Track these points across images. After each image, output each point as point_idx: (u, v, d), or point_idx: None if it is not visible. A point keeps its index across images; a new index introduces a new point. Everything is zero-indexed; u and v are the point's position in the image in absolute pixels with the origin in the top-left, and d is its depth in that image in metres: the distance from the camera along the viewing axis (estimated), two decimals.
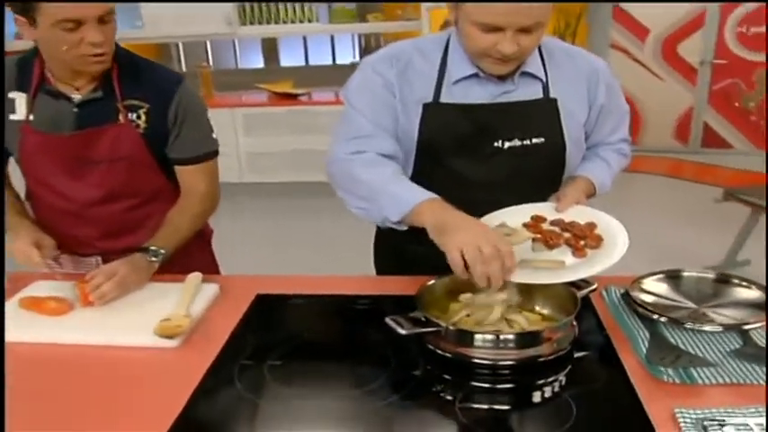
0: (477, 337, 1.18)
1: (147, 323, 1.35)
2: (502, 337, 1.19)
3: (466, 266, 1.20)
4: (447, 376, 1.20)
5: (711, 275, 1.38)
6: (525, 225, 1.41)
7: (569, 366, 1.21)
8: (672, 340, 1.25)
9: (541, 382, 1.16)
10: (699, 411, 1.06)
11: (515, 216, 1.44)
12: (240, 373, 1.22)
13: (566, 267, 1.28)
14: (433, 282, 1.35)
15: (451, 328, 1.20)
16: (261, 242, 4.27)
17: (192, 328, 1.38)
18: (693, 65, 6.27)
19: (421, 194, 1.34)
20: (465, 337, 1.19)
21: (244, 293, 1.53)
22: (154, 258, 1.55)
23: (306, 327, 1.40)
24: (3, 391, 1.08)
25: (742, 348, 1.22)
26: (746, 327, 1.22)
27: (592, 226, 1.38)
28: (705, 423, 1.02)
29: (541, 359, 1.19)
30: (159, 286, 1.54)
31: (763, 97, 6.09)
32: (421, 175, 1.49)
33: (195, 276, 1.56)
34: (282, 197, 5.16)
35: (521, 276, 1.25)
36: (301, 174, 5.06)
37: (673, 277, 1.41)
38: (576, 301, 1.25)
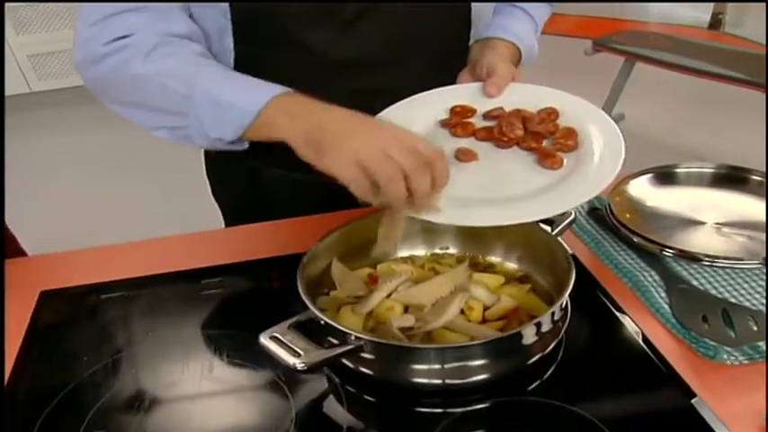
0: (425, 354, 0.69)
1: None
2: (461, 354, 0.69)
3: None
4: (370, 398, 0.73)
5: (723, 170, 0.96)
6: (446, 123, 0.89)
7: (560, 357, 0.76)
8: (695, 282, 0.83)
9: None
10: None
11: (423, 111, 0.90)
12: None
13: (534, 189, 0.78)
14: (315, 246, 0.83)
15: (373, 342, 0.69)
16: (64, 169, 3.45)
17: None
18: None
19: (264, 90, 0.80)
20: (403, 356, 0.70)
21: (23, 291, 0.93)
22: None
23: (127, 346, 0.84)
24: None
25: None
26: None
27: (553, 114, 0.87)
28: None
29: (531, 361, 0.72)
30: None
31: None
32: (247, 65, 0.92)
33: None
34: (84, 104, 4.25)
35: (470, 217, 0.74)
36: None
37: (665, 176, 0.97)
38: (562, 249, 0.79)
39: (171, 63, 0.84)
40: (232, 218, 1.25)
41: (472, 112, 0.90)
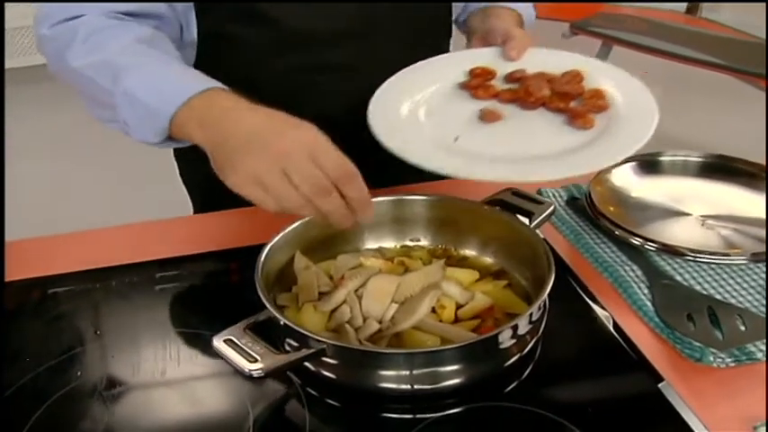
0: (392, 359, 0.64)
1: None
2: (431, 360, 0.64)
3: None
4: (334, 402, 0.67)
5: (710, 159, 0.92)
6: (466, 85, 0.86)
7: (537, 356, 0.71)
8: (679, 277, 0.79)
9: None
10: None
11: (439, 73, 0.88)
12: None
13: (565, 149, 0.75)
14: (276, 238, 0.77)
15: (336, 346, 0.64)
16: (22, 151, 3.30)
17: None
18: None
19: (182, 90, 0.72)
20: (368, 361, 0.65)
21: None
22: None
23: (74, 345, 0.77)
24: None
25: None
26: None
27: (578, 76, 0.84)
28: None
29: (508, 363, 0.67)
30: None
31: None
32: (211, 41, 0.88)
33: None
34: (48, 83, 4.10)
35: (496, 171, 0.73)
36: None
37: (649, 165, 0.93)
38: (541, 243, 0.74)
39: (102, 54, 0.78)
40: (200, 203, 1.19)
41: (492, 74, 0.88)
